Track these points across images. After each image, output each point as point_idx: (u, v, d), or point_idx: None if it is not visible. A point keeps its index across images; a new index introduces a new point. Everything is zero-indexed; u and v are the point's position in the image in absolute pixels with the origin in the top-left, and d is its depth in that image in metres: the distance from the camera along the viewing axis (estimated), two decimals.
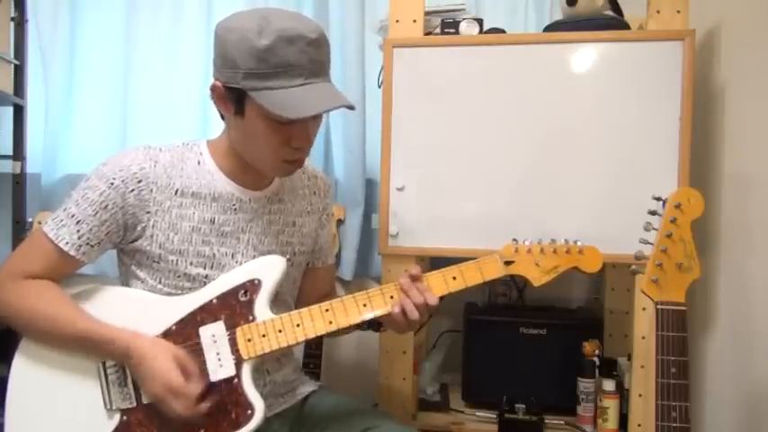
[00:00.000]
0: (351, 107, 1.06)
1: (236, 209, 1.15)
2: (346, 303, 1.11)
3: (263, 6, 1.89)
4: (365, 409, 1.26)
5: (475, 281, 1.13)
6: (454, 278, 1.13)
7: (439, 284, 1.12)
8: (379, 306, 1.11)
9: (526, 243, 1.14)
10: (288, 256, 1.18)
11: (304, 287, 1.31)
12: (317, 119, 1.10)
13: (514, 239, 1.15)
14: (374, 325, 1.19)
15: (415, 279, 1.11)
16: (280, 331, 1.08)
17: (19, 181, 1.93)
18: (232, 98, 1.06)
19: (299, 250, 1.25)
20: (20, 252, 1.14)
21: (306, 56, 1.02)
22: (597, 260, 1.14)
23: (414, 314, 1.09)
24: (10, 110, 1.95)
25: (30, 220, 1.91)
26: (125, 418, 1.07)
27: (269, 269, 1.12)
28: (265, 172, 1.15)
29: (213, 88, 1.08)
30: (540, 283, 1.13)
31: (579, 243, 1.14)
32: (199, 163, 1.15)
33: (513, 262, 1.14)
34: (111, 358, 1.07)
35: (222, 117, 1.15)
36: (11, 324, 1.09)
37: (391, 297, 1.11)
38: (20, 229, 1.92)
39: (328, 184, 1.34)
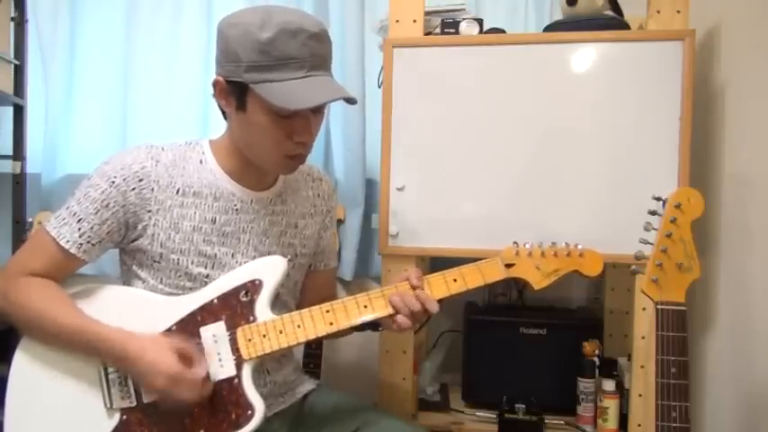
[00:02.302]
0: (352, 100, 1.06)
1: (237, 209, 1.15)
2: (347, 305, 1.11)
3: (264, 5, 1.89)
4: (364, 406, 1.26)
5: (476, 283, 1.13)
6: (455, 280, 1.13)
7: (440, 287, 1.12)
8: (380, 308, 1.11)
9: (527, 246, 1.14)
10: (289, 257, 1.18)
11: (305, 290, 1.31)
12: (318, 113, 1.10)
13: (515, 242, 1.15)
14: (372, 325, 1.19)
15: (415, 287, 1.11)
16: (280, 332, 1.08)
17: (19, 181, 1.93)
18: (234, 92, 1.07)
19: (301, 252, 1.25)
20: (23, 250, 1.14)
21: (307, 49, 1.03)
22: (597, 263, 1.14)
23: (410, 322, 1.09)
24: (10, 110, 1.94)
25: (30, 220, 1.91)
26: (125, 417, 1.07)
27: (270, 269, 1.12)
28: (268, 168, 1.15)
29: (215, 83, 1.08)
30: (540, 287, 1.14)
31: (580, 246, 1.14)
32: (201, 162, 1.15)
33: (513, 265, 1.14)
34: (106, 358, 1.07)
35: (224, 115, 1.15)
36: (11, 321, 1.10)
37: None
38: (20, 229, 1.92)
39: (332, 187, 1.34)
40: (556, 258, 1.13)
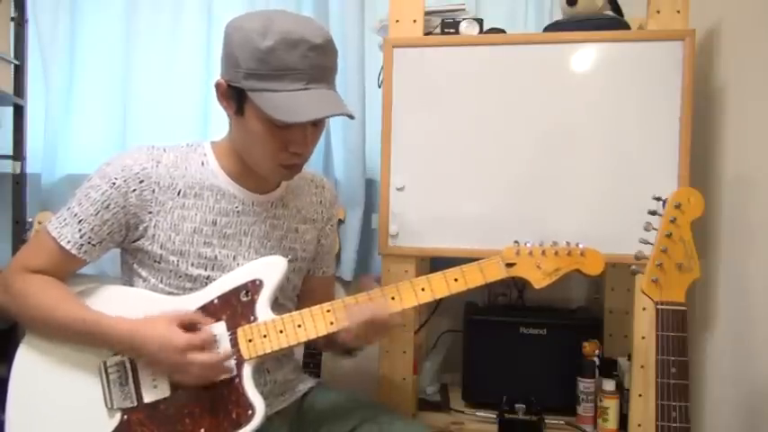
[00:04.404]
0: (349, 116, 1.05)
1: (238, 211, 1.15)
2: (348, 304, 1.11)
3: (263, 7, 1.90)
4: (364, 402, 1.27)
5: (476, 282, 1.13)
6: (456, 280, 1.13)
7: (440, 285, 1.12)
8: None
9: (528, 245, 1.14)
10: (290, 257, 1.18)
11: (302, 296, 1.30)
12: (317, 125, 1.10)
13: (516, 241, 1.15)
14: (348, 351, 1.21)
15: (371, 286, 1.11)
16: (281, 332, 1.09)
17: (19, 181, 1.94)
18: (234, 97, 1.07)
19: (301, 256, 1.25)
20: (25, 250, 1.15)
21: (307, 60, 1.01)
22: (599, 262, 1.13)
23: (361, 333, 1.08)
24: (10, 110, 1.95)
25: (30, 220, 1.91)
26: (125, 417, 1.07)
27: (271, 269, 1.12)
28: (263, 174, 1.15)
29: (217, 86, 1.09)
30: (541, 286, 1.13)
31: (581, 245, 1.14)
32: (202, 164, 1.15)
33: (514, 264, 1.14)
34: (113, 347, 1.07)
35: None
36: (16, 318, 1.10)
37: (392, 298, 1.11)
38: (20, 229, 1.92)
39: (335, 195, 1.34)
40: (557, 257, 1.13)
